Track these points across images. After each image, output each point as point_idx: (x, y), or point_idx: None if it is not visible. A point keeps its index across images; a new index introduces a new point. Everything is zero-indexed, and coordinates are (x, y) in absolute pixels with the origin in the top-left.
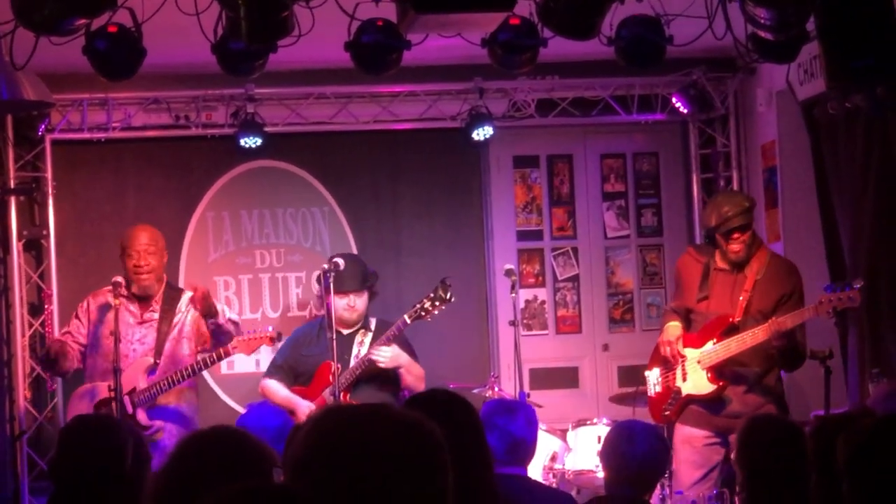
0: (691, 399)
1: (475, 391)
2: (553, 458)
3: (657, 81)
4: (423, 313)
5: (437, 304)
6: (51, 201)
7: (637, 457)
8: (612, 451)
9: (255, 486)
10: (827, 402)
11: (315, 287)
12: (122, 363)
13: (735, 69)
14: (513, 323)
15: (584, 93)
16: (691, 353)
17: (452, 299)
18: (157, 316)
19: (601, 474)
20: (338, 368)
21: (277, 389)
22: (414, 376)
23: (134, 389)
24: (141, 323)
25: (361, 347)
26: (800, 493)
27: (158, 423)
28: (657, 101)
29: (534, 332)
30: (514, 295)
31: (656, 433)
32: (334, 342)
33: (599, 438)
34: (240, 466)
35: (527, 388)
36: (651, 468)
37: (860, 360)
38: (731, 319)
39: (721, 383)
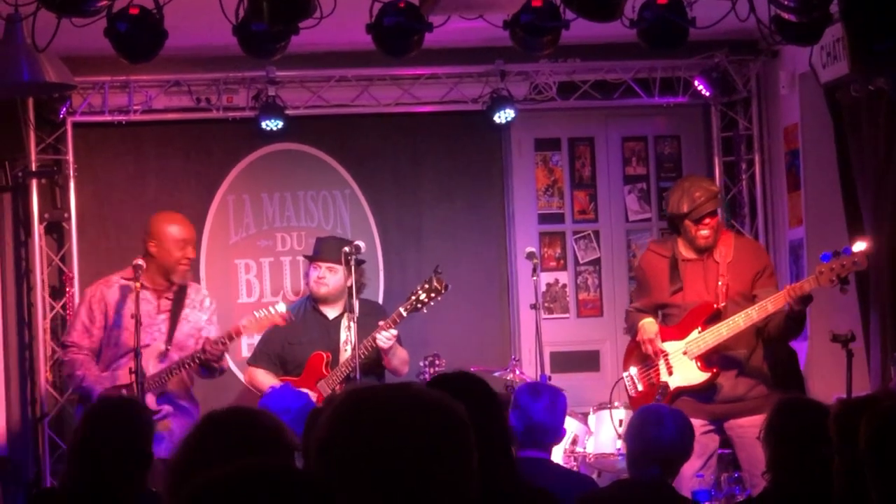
0: (681, 391)
1: (496, 374)
2: (574, 442)
3: (679, 64)
4: (419, 305)
5: (432, 295)
6: (72, 184)
7: (665, 440)
8: (639, 435)
9: (265, 466)
10: (849, 386)
11: (302, 265)
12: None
13: (757, 52)
14: (534, 306)
15: (606, 76)
16: (674, 346)
17: (448, 288)
18: (170, 307)
19: (622, 458)
20: (329, 357)
21: (265, 379)
22: (399, 359)
23: (143, 375)
24: (159, 312)
25: (350, 332)
26: (825, 475)
27: (167, 407)
28: (679, 83)
29: (555, 316)
30: (535, 278)
31: (683, 416)
32: (360, 331)
33: (621, 422)
34: (258, 447)
35: (548, 372)
36: (679, 451)
37: (882, 344)
38: (714, 306)
39: (713, 370)
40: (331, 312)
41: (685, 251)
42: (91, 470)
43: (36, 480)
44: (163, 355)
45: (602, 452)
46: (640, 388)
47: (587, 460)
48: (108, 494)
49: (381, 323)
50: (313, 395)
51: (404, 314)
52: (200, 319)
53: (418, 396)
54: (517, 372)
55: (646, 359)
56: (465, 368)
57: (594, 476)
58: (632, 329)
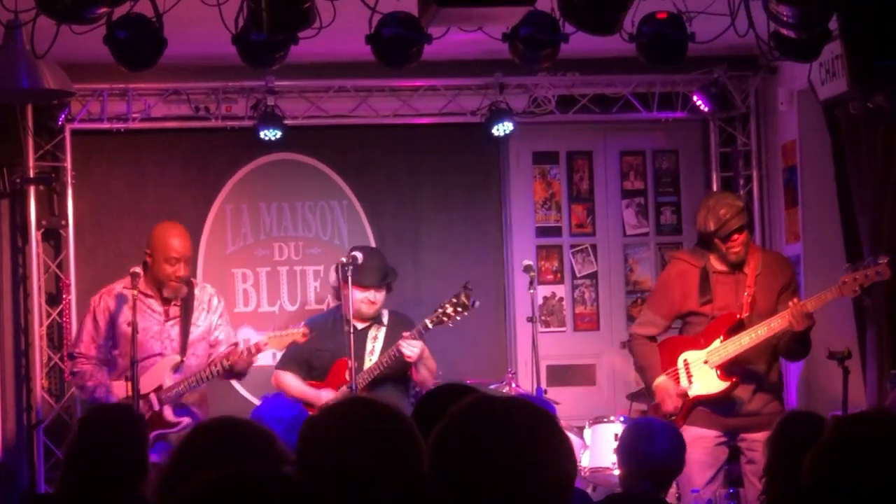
0: (700, 401)
1: (492, 387)
2: None
3: (678, 79)
4: (444, 318)
5: (458, 309)
6: (70, 191)
7: (657, 454)
8: (631, 449)
9: (247, 471)
10: (845, 403)
11: (332, 277)
12: (151, 361)
13: (756, 68)
14: (531, 319)
15: (605, 90)
16: (695, 355)
17: (476, 305)
18: (179, 313)
19: (617, 472)
20: (354, 365)
21: (293, 382)
22: (429, 370)
23: (160, 387)
24: (167, 320)
25: (375, 343)
26: None
27: (186, 419)
28: (678, 98)
29: (551, 329)
30: (532, 291)
31: (675, 430)
32: (352, 337)
33: (616, 436)
34: (247, 457)
35: (544, 385)
36: (671, 465)
37: (879, 361)
38: (737, 316)
39: (733, 380)
40: (360, 324)
41: (717, 264)
42: (85, 477)
43: (30, 487)
44: (178, 366)
45: (597, 466)
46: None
47: (582, 474)
48: (102, 502)
49: (405, 333)
50: (330, 392)
51: (430, 326)
52: (212, 322)
53: (530, 405)
54: (513, 385)
55: (666, 368)
56: (462, 381)
57: (589, 490)
58: (638, 368)
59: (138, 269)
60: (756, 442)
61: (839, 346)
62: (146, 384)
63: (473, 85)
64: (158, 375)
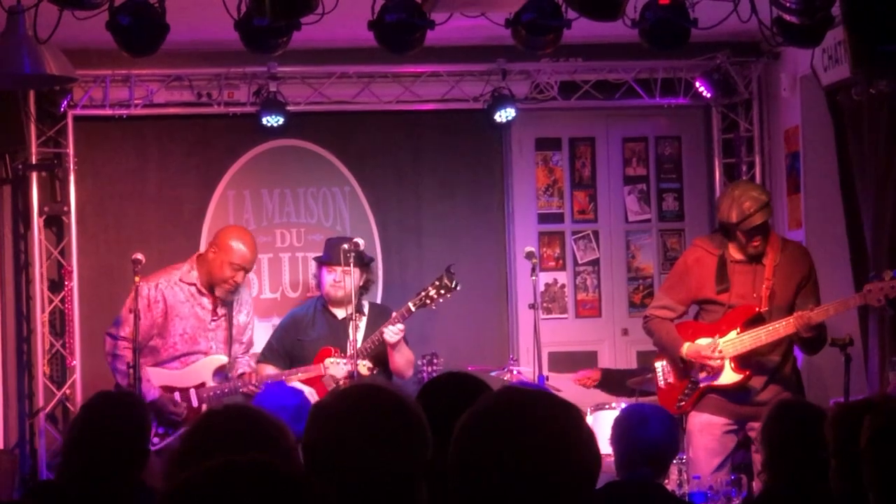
0: (712, 389)
1: (494, 374)
2: None
3: (681, 65)
4: (427, 301)
5: (441, 292)
6: (72, 177)
7: (652, 440)
8: (625, 437)
9: (244, 462)
10: (846, 390)
11: (312, 266)
12: (195, 357)
13: (759, 54)
14: (532, 306)
15: (608, 76)
16: (709, 344)
17: (458, 287)
18: (224, 312)
19: None
20: (337, 353)
21: (274, 375)
22: (405, 359)
23: (203, 384)
24: (214, 318)
25: (357, 332)
26: (821, 478)
27: None
28: (680, 84)
29: (553, 316)
30: (534, 278)
31: (666, 413)
32: (364, 328)
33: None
34: (254, 444)
35: (546, 372)
36: (666, 449)
37: (881, 348)
38: (756, 309)
39: (746, 372)
40: (340, 312)
41: (735, 253)
42: (86, 462)
43: (32, 474)
44: (222, 368)
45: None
46: (670, 380)
47: None
48: (104, 488)
49: (394, 314)
50: (312, 392)
51: (413, 309)
52: (244, 322)
53: (554, 397)
54: (515, 372)
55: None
56: (463, 368)
57: None
58: (660, 343)
59: (140, 256)
60: None
61: (841, 333)
62: (189, 378)
63: (476, 71)
64: (204, 373)
